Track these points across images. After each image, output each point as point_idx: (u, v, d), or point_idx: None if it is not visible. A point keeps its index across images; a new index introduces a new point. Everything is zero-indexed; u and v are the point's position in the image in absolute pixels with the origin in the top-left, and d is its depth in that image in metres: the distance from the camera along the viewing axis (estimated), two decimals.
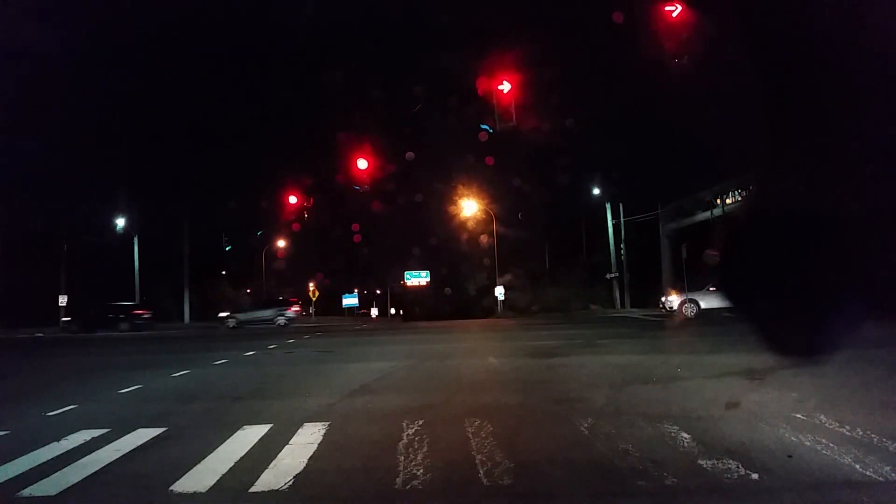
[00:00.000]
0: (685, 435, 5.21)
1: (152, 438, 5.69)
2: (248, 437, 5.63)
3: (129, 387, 9.06)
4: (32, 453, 5.23)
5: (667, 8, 13.93)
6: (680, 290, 25.75)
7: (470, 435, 5.45)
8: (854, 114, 3.19)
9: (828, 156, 3.27)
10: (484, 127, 17.10)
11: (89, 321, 31.00)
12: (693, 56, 13.92)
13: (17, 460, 5.03)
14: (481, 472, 4.38)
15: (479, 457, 4.74)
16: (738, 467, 4.31)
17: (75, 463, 4.93)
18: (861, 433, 5.10)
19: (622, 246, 40.33)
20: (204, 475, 4.50)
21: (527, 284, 43.53)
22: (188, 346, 19.38)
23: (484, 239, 42.58)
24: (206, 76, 47.04)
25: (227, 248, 46.76)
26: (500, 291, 40.18)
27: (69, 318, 31.98)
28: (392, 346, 16.82)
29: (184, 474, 4.51)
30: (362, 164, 20.64)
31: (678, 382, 8.19)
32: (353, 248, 47.08)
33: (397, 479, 4.28)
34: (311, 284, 48.47)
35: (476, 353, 13.74)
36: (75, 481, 4.47)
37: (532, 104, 16.59)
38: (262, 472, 4.53)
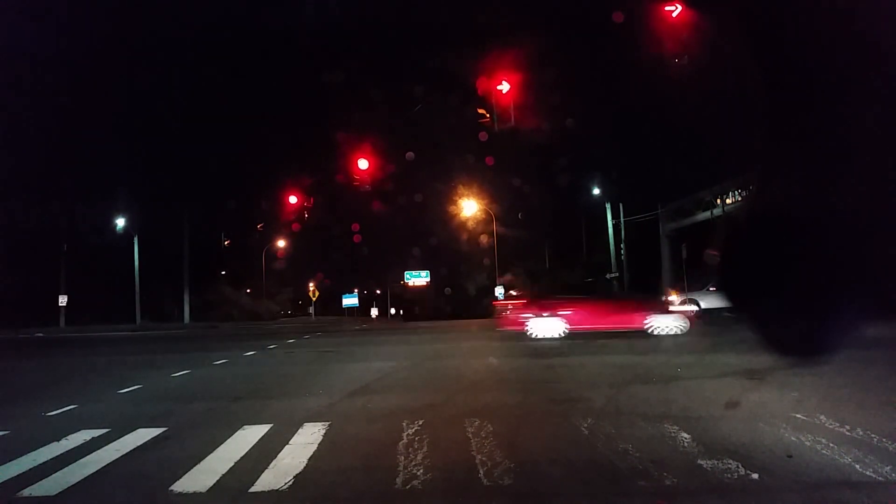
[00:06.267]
0: (685, 435, 5.21)
1: (152, 438, 5.69)
2: (248, 437, 5.62)
3: (129, 387, 9.05)
4: (32, 453, 5.23)
5: (667, 8, 13.90)
6: (680, 290, 25.73)
7: (470, 435, 5.44)
8: (854, 114, 3.19)
9: (828, 156, 3.27)
10: (482, 121, 17.06)
11: None
12: (693, 56, 13.90)
13: (17, 460, 5.02)
14: (481, 472, 4.38)
15: (479, 457, 4.74)
16: (738, 467, 4.31)
17: (75, 463, 4.92)
18: (861, 433, 5.10)
19: (622, 246, 40.30)
20: (204, 475, 4.49)
21: (527, 284, 43.53)
22: (188, 346, 19.38)
23: (484, 239, 42.64)
24: (207, 76, 47.12)
25: (226, 243, 46.80)
26: (500, 291, 40.18)
27: None
28: (392, 346, 16.83)
29: (184, 474, 4.51)
30: (363, 164, 20.60)
31: (678, 382, 8.19)
32: (353, 248, 47.19)
33: (397, 479, 4.28)
34: (311, 284, 48.59)
35: (476, 353, 13.74)
36: (75, 481, 4.46)
37: (532, 104, 16.55)
38: (262, 472, 4.53)
